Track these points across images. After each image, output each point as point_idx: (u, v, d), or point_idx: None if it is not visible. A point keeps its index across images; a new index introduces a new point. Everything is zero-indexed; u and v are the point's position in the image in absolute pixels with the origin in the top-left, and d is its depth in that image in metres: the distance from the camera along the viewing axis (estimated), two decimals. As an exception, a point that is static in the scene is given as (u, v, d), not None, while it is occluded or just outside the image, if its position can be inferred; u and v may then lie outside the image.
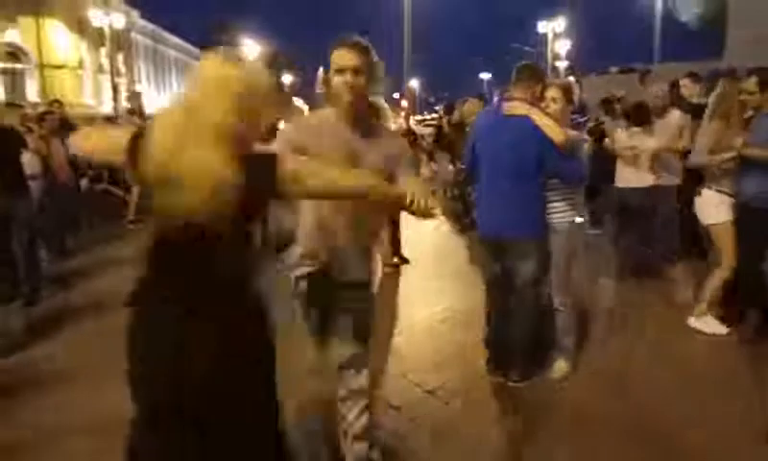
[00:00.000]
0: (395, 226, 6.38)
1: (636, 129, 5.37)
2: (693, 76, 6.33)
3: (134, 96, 9.31)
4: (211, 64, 1.73)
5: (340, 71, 2.24)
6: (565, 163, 3.38)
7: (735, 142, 4.02)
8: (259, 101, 1.74)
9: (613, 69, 13.26)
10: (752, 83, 4.07)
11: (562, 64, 39.92)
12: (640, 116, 5.39)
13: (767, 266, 4.19)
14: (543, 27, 37.92)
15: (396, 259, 6.46)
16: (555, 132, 3.28)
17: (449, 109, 10.24)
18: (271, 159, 1.71)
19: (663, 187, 5.30)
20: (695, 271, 5.22)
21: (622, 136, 5.51)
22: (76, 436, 3.13)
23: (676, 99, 5.99)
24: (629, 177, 5.44)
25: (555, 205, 3.58)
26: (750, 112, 4.17)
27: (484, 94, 9.15)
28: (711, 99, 4.47)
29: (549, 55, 37.91)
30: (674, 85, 6.20)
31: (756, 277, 4.18)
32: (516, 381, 3.62)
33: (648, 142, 5.26)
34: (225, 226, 1.65)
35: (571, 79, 7.37)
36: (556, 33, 37.80)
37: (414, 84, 46.24)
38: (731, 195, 4.17)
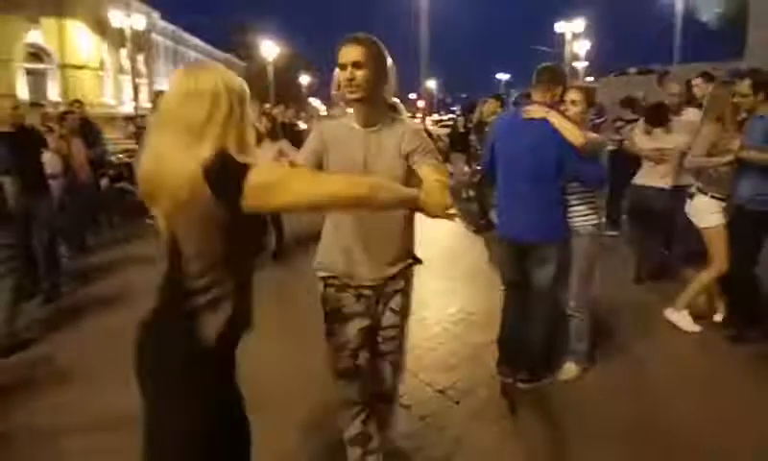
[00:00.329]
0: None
1: (657, 129, 5.34)
2: (706, 76, 6.27)
3: (158, 95, 9.32)
4: (182, 73, 1.69)
5: (342, 67, 2.20)
6: (585, 166, 3.36)
7: (733, 145, 4.05)
8: (235, 104, 1.66)
9: (632, 70, 13.10)
10: (745, 85, 4.10)
11: (580, 65, 39.64)
12: (659, 116, 5.36)
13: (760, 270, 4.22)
14: (561, 27, 37.60)
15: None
16: (574, 135, 3.26)
17: (470, 109, 10.17)
18: (238, 170, 1.55)
19: (684, 188, 5.26)
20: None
21: (643, 138, 5.48)
22: (74, 435, 3.20)
23: (689, 99, 5.97)
24: (652, 177, 5.40)
25: (576, 208, 3.57)
26: (743, 115, 4.19)
27: (502, 95, 9.14)
28: (705, 102, 4.48)
29: (567, 55, 37.60)
30: (688, 85, 6.16)
31: (748, 280, 4.21)
32: (525, 383, 3.61)
33: (675, 140, 5.17)
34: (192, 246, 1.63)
35: (590, 79, 7.36)
36: (575, 33, 37.48)
37: (431, 84, 46.23)
38: (723, 199, 4.21)
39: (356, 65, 2.16)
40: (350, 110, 2.37)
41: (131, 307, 5.31)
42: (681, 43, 27.05)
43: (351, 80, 2.18)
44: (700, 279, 4.44)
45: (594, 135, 3.54)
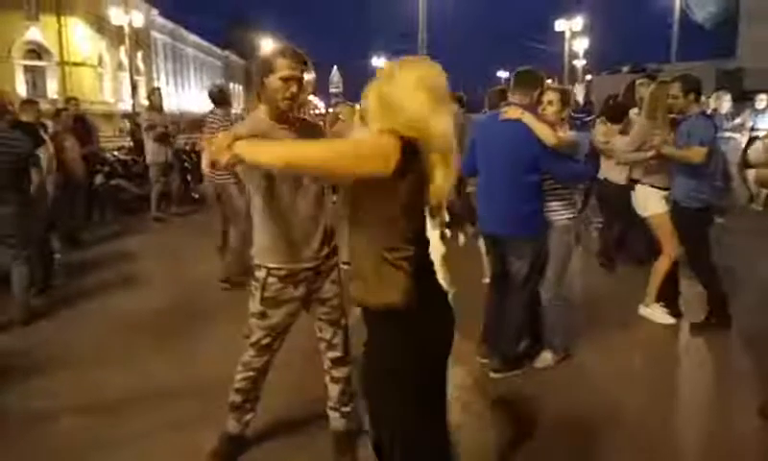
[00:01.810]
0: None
1: (614, 126, 5.51)
2: (650, 77, 6.42)
3: (154, 92, 9.37)
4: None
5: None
6: (559, 164, 3.49)
7: (655, 141, 4.23)
8: None
9: (624, 68, 13.16)
10: (676, 87, 4.27)
11: (579, 63, 39.68)
12: (616, 113, 5.53)
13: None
14: (561, 25, 37.64)
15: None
16: (546, 134, 3.39)
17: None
18: None
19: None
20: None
21: (600, 130, 5.72)
22: (65, 418, 3.30)
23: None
24: (610, 172, 5.59)
25: (551, 203, 3.67)
26: (676, 115, 4.38)
27: (461, 95, 9.24)
28: (645, 99, 4.69)
29: (566, 53, 37.66)
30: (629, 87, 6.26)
31: (708, 269, 4.37)
32: (496, 372, 3.72)
33: (618, 141, 5.31)
34: None
35: (589, 77, 7.47)
36: (573, 31, 37.52)
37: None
38: (664, 189, 4.38)
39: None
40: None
41: (122, 298, 5.43)
42: (678, 42, 27.20)
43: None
44: (656, 269, 4.59)
45: (569, 135, 3.64)
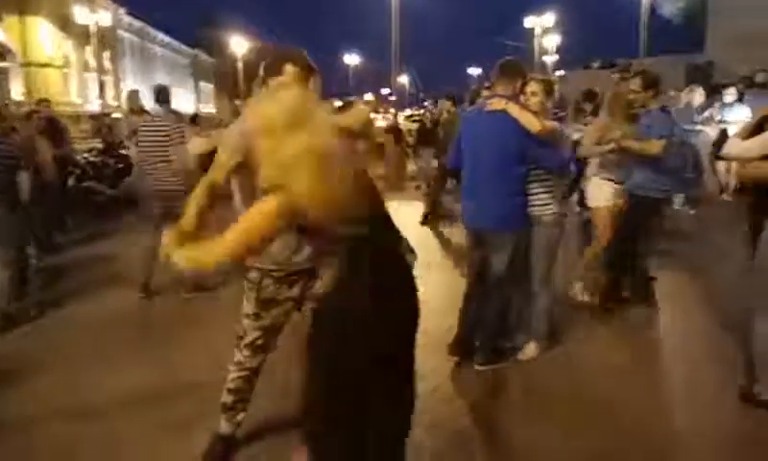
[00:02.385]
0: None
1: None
2: (622, 72, 6.60)
3: (133, 95, 9.15)
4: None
5: None
6: (545, 151, 3.54)
7: (614, 134, 4.37)
8: None
9: (595, 64, 13.35)
10: (636, 82, 4.53)
11: (550, 59, 40.15)
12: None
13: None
14: (531, 22, 38.05)
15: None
16: (531, 122, 3.43)
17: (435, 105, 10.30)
18: None
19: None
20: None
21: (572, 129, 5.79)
22: (54, 422, 3.26)
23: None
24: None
25: (537, 195, 3.72)
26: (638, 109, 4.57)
27: (453, 94, 9.38)
28: (608, 95, 4.92)
29: (536, 50, 38.11)
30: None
31: (624, 255, 4.68)
32: (480, 365, 3.77)
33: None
34: None
35: (560, 72, 7.63)
36: (544, 28, 37.96)
37: (403, 79, 46.38)
38: (616, 182, 4.57)
39: None
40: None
41: (96, 302, 5.34)
42: (648, 37, 27.66)
43: None
44: (586, 255, 4.89)
45: (552, 123, 3.68)
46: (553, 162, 3.66)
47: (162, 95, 5.94)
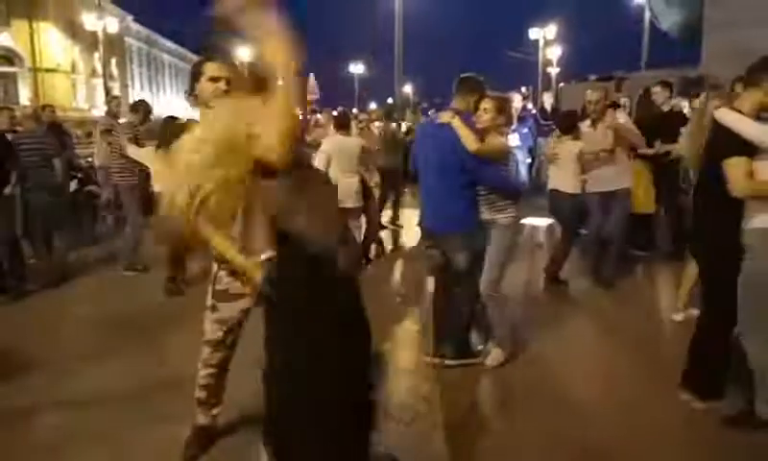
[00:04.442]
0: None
1: (564, 137, 5.69)
2: (664, 83, 6.64)
3: (113, 98, 9.10)
4: None
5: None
6: (483, 169, 3.68)
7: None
8: None
9: (592, 77, 13.45)
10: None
11: (554, 71, 40.23)
12: (566, 123, 5.78)
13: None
14: (535, 33, 38.18)
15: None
16: (468, 140, 3.61)
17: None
18: None
19: (589, 195, 5.62)
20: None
21: (551, 142, 5.95)
22: (44, 417, 3.39)
23: (647, 105, 6.36)
24: (555, 181, 5.74)
25: (494, 201, 3.81)
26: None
27: (417, 105, 9.68)
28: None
29: (540, 61, 38.21)
30: (646, 92, 6.52)
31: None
32: (450, 360, 3.92)
33: (570, 146, 5.56)
34: None
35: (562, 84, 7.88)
36: (547, 39, 38.09)
37: (407, 89, 46.56)
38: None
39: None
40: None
41: (94, 303, 5.48)
42: (648, 50, 27.72)
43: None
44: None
45: (496, 142, 3.74)
46: (490, 181, 3.75)
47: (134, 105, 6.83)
